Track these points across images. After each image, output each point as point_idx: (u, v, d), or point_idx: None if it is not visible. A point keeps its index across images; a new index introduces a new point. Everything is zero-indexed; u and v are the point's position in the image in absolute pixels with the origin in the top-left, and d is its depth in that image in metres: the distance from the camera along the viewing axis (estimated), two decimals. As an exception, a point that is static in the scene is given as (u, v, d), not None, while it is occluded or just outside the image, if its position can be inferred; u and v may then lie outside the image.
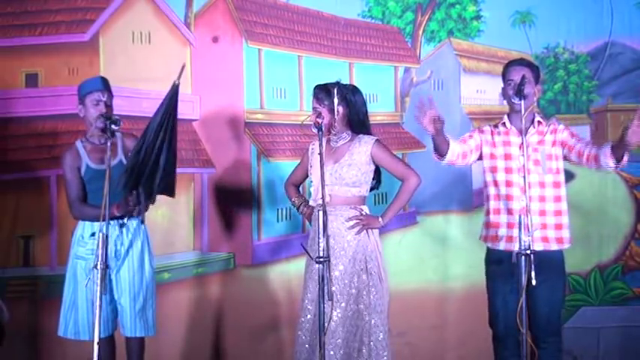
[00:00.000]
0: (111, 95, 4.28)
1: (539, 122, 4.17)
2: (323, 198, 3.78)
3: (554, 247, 4.10)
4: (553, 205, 4.11)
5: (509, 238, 4.09)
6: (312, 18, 5.48)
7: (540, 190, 4.07)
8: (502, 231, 4.15)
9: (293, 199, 4.47)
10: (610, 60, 5.66)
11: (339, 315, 4.08)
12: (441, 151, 4.13)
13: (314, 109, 4.21)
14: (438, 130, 4.01)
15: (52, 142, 5.07)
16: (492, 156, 4.22)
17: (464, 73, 5.61)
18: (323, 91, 4.20)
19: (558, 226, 4.12)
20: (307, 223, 4.50)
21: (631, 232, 5.61)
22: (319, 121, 3.95)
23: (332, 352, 4.03)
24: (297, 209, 4.47)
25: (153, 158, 4.02)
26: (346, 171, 4.19)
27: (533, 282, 3.67)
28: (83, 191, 4.26)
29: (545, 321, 4.09)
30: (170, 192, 4.18)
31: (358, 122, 4.27)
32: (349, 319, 4.10)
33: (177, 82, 4.07)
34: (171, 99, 4.06)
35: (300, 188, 4.52)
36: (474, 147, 4.25)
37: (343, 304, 4.10)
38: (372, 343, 4.09)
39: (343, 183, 4.19)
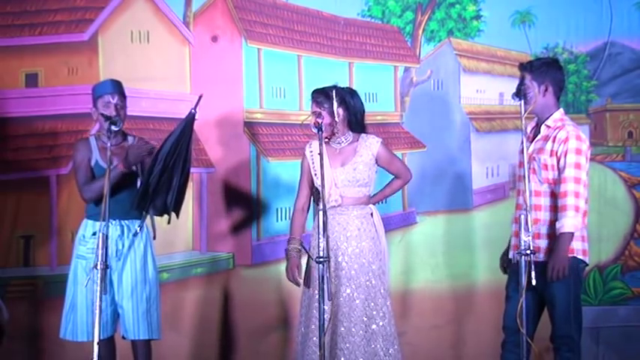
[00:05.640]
0: (123, 97, 4.28)
1: (547, 127, 3.99)
2: (323, 198, 3.79)
3: (541, 258, 3.90)
4: (548, 214, 3.96)
5: (515, 247, 3.99)
6: (311, 17, 5.47)
7: (535, 198, 3.95)
8: (512, 239, 4.11)
9: (291, 243, 4.22)
10: (609, 60, 5.67)
11: (357, 313, 4.12)
12: None
13: (313, 113, 4.20)
14: None
15: (52, 142, 5.08)
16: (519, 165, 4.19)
17: (464, 73, 5.60)
18: (322, 95, 4.20)
19: (551, 236, 3.94)
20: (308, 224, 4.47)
21: (630, 232, 5.61)
22: (319, 121, 3.96)
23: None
24: (287, 251, 4.23)
25: (165, 179, 4.08)
26: (359, 171, 4.20)
27: (533, 282, 3.66)
28: (92, 179, 4.24)
29: (552, 320, 4.00)
30: (177, 211, 4.25)
31: (357, 123, 4.30)
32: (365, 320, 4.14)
33: (193, 112, 4.10)
34: (186, 126, 4.11)
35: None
36: None
37: (358, 302, 4.12)
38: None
39: (357, 184, 4.20)
